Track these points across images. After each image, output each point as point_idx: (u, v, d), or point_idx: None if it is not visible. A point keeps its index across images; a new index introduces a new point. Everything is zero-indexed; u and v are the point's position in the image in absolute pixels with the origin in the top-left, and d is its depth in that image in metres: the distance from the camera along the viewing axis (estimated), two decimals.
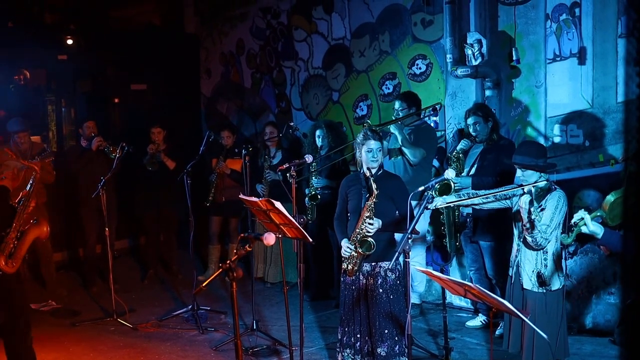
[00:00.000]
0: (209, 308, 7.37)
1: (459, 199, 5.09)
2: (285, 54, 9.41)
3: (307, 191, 7.54)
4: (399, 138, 6.58)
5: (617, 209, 4.15)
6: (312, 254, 7.81)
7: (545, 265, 4.75)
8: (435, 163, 7.22)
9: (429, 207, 5.05)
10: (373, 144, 5.21)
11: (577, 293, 6.42)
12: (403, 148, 6.63)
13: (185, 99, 10.77)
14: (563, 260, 4.80)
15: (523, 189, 4.76)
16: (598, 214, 4.08)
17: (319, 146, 7.62)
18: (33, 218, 5.35)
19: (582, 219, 4.01)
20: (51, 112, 10.14)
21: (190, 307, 7.19)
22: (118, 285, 7.70)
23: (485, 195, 4.99)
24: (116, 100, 10.65)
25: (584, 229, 4.02)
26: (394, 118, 6.78)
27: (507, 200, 4.98)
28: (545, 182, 4.67)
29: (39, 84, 9.80)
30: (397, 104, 6.83)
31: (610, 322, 6.15)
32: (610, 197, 4.14)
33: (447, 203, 5.09)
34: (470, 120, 6.33)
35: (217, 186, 8.47)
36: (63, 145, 10.09)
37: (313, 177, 7.48)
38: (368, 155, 5.22)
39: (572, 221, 4.12)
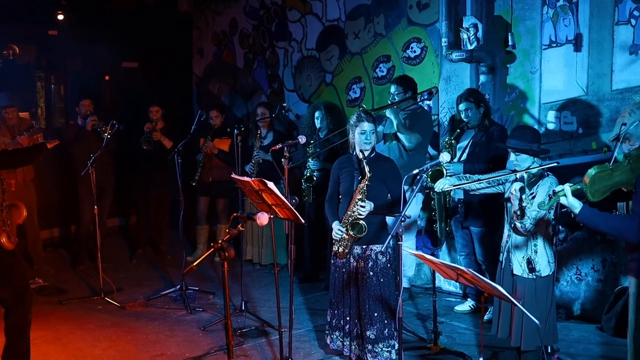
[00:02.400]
0: (197, 288, 7.35)
1: (462, 182, 5.06)
2: (278, 34, 9.34)
3: (305, 172, 7.53)
4: (395, 123, 6.53)
5: (599, 184, 4.09)
6: (309, 236, 7.81)
7: (536, 252, 4.74)
8: (431, 150, 7.20)
9: (436, 189, 5.03)
10: (367, 125, 5.17)
11: (566, 280, 6.44)
12: (398, 133, 6.58)
13: (176, 78, 10.70)
14: (553, 247, 4.79)
15: (516, 175, 4.75)
16: (579, 186, 4.05)
17: (317, 128, 7.60)
18: (9, 202, 5.31)
19: (563, 190, 4.00)
20: (40, 88, 10.06)
21: (178, 286, 7.16)
22: (106, 264, 7.66)
23: (486, 179, 4.96)
24: (107, 78, 10.56)
25: (562, 200, 4.00)
26: (389, 102, 6.74)
27: (500, 186, 4.96)
28: (539, 167, 4.64)
29: (29, 60, 9.70)
30: (392, 88, 6.77)
31: (598, 309, 6.17)
32: (591, 171, 4.08)
33: (454, 186, 5.07)
34: (461, 106, 6.30)
35: (205, 166, 8.41)
36: (52, 122, 10.01)
37: (309, 159, 7.48)
38: (361, 137, 5.18)
39: (553, 189, 4.10)
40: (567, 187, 3.99)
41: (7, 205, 5.21)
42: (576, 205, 3.97)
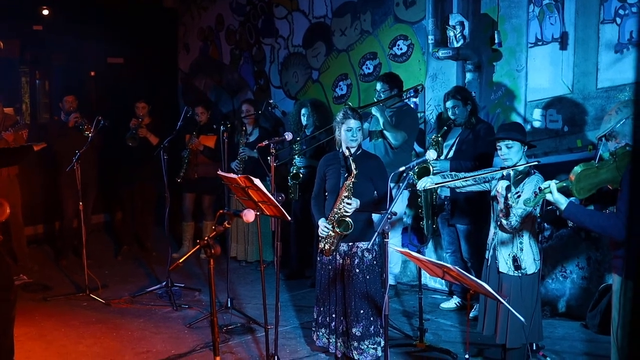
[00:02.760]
0: (183, 285, 7.32)
1: (445, 180, 5.07)
2: (265, 31, 9.31)
3: (292, 169, 7.53)
4: (381, 121, 6.53)
5: (585, 182, 4.11)
6: (295, 233, 7.81)
7: (521, 249, 4.76)
8: (417, 147, 7.21)
9: (418, 187, 5.04)
10: (353, 122, 5.16)
11: (551, 277, 6.47)
12: (385, 131, 6.58)
13: (162, 74, 10.65)
14: (539, 245, 4.82)
15: (502, 172, 4.77)
16: (564, 184, 4.07)
17: (303, 125, 7.59)
18: None
19: (549, 186, 4.01)
20: (25, 83, 9.99)
21: (164, 283, 7.14)
22: (91, 261, 7.62)
23: (470, 177, 4.98)
24: (92, 74, 10.50)
25: (548, 197, 4.01)
26: (375, 99, 6.74)
27: (486, 184, 4.98)
28: (526, 165, 4.66)
29: (13, 55, 9.63)
30: (378, 85, 6.78)
31: (583, 306, 6.20)
32: (577, 168, 4.10)
33: (436, 184, 5.08)
34: (449, 104, 6.31)
35: (190, 162, 8.39)
36: (37, 118, 9.95)
37: (296, 157, 7.47)
38: (347, 134, 5.17)
39: (539, 186, 4.12)
40: (553, 184, 4.01)
41: None
42: (562, 202, 3.99)
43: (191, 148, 8.31)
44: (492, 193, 4.91)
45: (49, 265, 8.43)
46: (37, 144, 6.18)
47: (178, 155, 8.31)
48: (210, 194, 8.63)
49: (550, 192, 4.01)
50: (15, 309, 5.08)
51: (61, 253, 8.57)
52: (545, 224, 6.30)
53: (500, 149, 4.75)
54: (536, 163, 4.69)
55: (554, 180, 4.06)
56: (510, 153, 4.71)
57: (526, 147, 4.77)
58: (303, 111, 7.60)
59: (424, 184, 5.02)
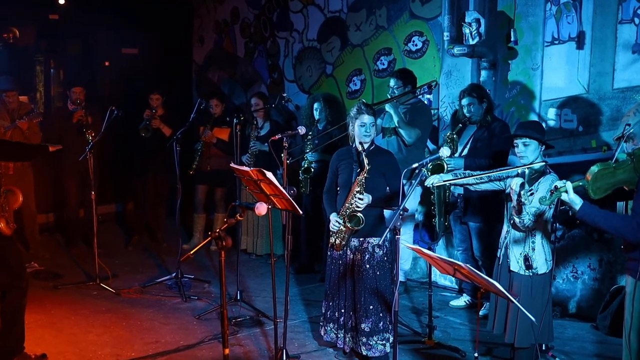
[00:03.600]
0: (192, 276, 7.34)
1: (456, 177, 5.06)
2: (280, 24, 9.31)
3: (303, 164, 7.53)
4: (395, 118, 6.51)
5: (601, 182, 4.09)
6: (305, 227, 7.81)
7: (533, 249, 4.74)
8: (430, 144, 7.19)
9: (426, 184, 5.03)
10: (366, 118, 5.14)
11: (562, 277, 6.44)
12: (399, 129, 6.55)
13: (176, 66, 10.67)
14: (551, 245, 4.79)
15: (517, 170, 4.74)
16: (580, 183, 4.04)
17: (316, 119, 7.58)
18: (6, 187, 5.29)
19: (565, 185, 3.98)
20: (39, 72, 10.02)
21: (174, 274, 7.15)
22: (102, 250, 7.64)
23: (482, 175, 4.95)
24: (106, 64, 10.52)
25: (564, 196, 3.98)
26: (389, 96, 6.71)
27: (500, 182, 4.95)
28: (542, 164, 4.64)
29: (28, 44, 9.66)
30: (392, 82, 6.74)
31: (593, 307, 6.17)
32: (594, 168, 4.07)
33: (445, 181, 5.06)
34: (464, 101, 6.28)
35: (203, 155, 8.40)
36: (50, 107, 9.98)
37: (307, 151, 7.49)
38: (361, 129, 5.15)
39: (555, 184, 4.09)
40: (569, 183, 3.98)
41: (4, 191, 5.20)
42: (577, 202, 3.95)
43: (204, 140, 8.31)
44: (507, 191, 4.89)
45: (60, 254, 8.47)
46: (53, 146, 6.17)
47: (191, 147, 8.32)
48: (222, 187, 8.65)
49: (567, 191, 3.98)
50: (26, 296, 5.11)
51: (70, 242, 8.60)
52: (557, 224, 6.27)
53: (517, 147, 4.72)
54: (544, 163, 4.66)
55: (568, 181, 4.04)
56: (527, 151, 4.68)
57: (544, 146, 4.73)
58: (315, 105, 7.59)
59: (432, 181, 5.01)
